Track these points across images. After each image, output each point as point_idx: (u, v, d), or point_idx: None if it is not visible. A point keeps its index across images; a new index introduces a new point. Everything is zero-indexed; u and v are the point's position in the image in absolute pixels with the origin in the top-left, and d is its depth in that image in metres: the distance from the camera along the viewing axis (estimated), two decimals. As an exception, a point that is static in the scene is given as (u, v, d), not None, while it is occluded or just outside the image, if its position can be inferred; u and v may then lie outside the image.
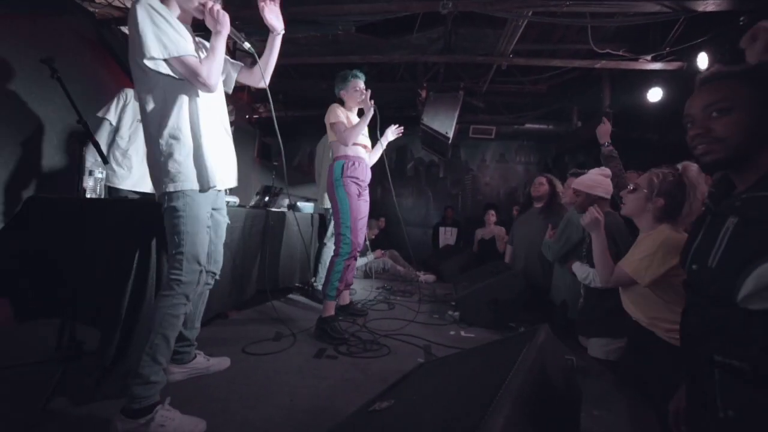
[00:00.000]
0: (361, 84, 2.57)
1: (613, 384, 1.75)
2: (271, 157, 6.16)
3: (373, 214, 6.16)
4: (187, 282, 1.34)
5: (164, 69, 1.28)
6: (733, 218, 0.84)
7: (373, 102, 2.40)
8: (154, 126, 1.33)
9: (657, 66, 3.81)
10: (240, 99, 5.52)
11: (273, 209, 3.08)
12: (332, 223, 3.31)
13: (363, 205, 2.59)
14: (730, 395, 0.80)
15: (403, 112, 5.72)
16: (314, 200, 3.79)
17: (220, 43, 1.37)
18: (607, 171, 2.35)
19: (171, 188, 1.33)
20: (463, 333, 2.56)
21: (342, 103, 2.60)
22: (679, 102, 0.97)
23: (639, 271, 1.52)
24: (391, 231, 6.37)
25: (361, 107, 2.52)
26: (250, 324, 2.47)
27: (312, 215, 3.79)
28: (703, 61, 3.41)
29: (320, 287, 3.47)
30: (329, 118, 2.47)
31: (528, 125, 5.75)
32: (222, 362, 1.77)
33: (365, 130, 2.50)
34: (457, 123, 4.81)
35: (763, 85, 0.84)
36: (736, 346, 0.80)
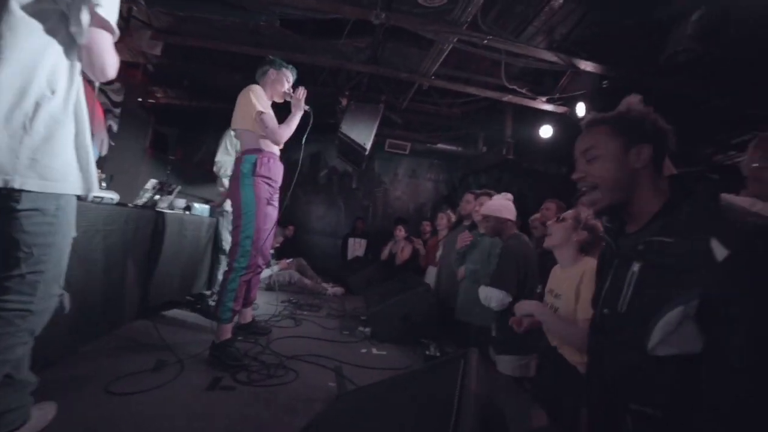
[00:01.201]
0: (291, 78, 2.33)
1: (526, 400, 1.83)
2: (167, 150, 5.38)
3: (281, 221, 5.82)
4: (39, 311, 0.99)
5: None
6: (637, 263, 0.89)
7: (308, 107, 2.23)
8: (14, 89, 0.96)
9: (549, 107, 4.37)
10: (132, 77, 4.66)
11: (164, 209, 2.62)
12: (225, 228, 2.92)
13: (271, 212, 2.26)
14: None
15: (321, 119, 5.52)
16: (212, 201, 3.37)
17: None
18: (509, 195, 2.53)
19: (40, 187, 0.98)
20: (375, 351, 2.47)
21: (256, 84, 2.26)
22: (564, 141, 1.06)
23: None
24: (299, 239, 6.07)
25: (278, 101, 2.29)
26: (122, 353, 1.92)
27: (209, 218, 3.35)
28: (580, 109, 4.06)
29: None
30: (255, 105, 2.08)
31: (440, 145, 6.07)
32: (43, 414, 1.22)
33: None
34: (375, 135, 4.81)
35: (625, 133, 0.93)
36: (649, 393, 0.82)
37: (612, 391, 0.91)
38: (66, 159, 1.04)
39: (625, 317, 0.88)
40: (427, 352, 2.26)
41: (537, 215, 3.15)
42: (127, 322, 2.25)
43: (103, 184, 2.26)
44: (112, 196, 2.02)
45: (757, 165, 1.47)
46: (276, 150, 2.25)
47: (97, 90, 3.93)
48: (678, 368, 0.78)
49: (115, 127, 4.40)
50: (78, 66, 1.08)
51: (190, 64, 4.60)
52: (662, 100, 3.73)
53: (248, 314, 2.49)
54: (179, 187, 2.77)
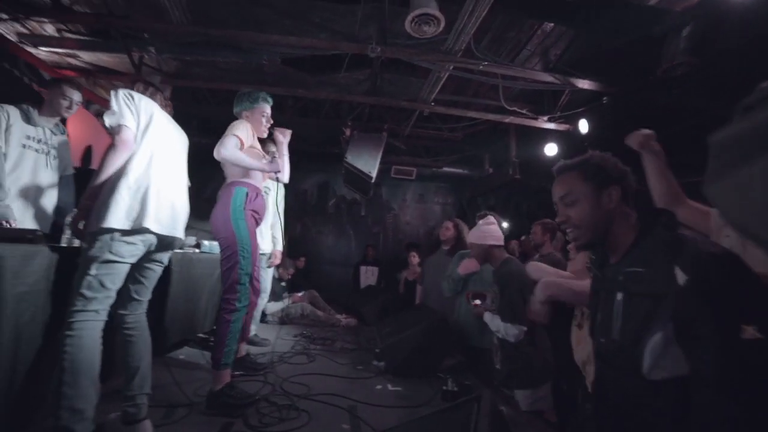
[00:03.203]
0: (269, 111, 2.26)
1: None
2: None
3: (292, 252, 5.84)
4: None
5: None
6: (620, 293, 0.98)
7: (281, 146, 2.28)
8: None
9: (551, 126, 4.38)
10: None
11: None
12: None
13: (257, 246, 2.22)
14: None
15: (326, 149, 5.63)
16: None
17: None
18: (491, 219, 2.43)
19: None
20: (390, 387, 2.38)
21: None
22: (569, 158, 1.13)
23: None
24: (310, 270, 6.04)
25: (262, 136, 2.25)
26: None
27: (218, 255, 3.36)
28: (583, 126, 4.06)
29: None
30: (230, 132, 1.99)
31: (445, 168, 6.10)
32: None
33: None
34: (380, 163, 4.87)
35: (593, 176, 1.04)
36: (651, 418, 0.86)
37: (617, 416, 0.95)
38: None
39: (620, 344, 0.95)
40: (445, 388, 2.16)
41: (524, 238, 3.15)
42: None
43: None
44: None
45: None
46: (260, 184, 2.22)
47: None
48: (675, 392, 0.83)
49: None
50: None
51: (198, 104, 4.79)
52: (664, 112, 3.74)
53: (241, 349, 2.45)
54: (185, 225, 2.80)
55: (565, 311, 1.72)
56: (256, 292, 2.31)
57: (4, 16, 2.89)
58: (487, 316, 2.19)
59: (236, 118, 2.20)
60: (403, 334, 2.71)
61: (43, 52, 3.48)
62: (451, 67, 3.29)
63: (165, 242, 1.61)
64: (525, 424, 1.87)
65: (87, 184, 1.47)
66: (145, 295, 1.63)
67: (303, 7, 2.94)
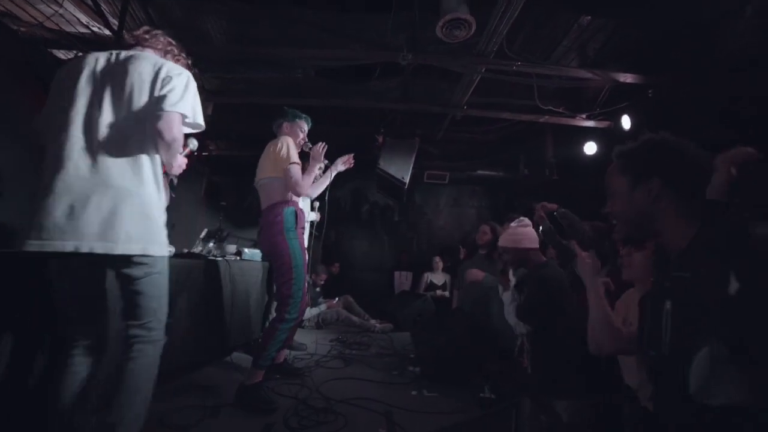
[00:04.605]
0: (306, 128, 2.45)
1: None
2: (220, 197, 5.79)
3: (326, 258, 5.95)
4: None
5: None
6: (668, 301, 0.86)
7: (330, 170, 2.42)
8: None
9: (590, 123, 4.19)
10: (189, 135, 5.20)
11: (217, 257, 2.78)
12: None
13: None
14: None
15: (359, 156, 5.70)
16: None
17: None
18: (526, 221, 2.34)
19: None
20: (426, 392, 2.36)
21: (275, 136, 2.36)
22: (611, 156, 1.07)
23: None
24: (345, 276, 6.12)
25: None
26: (181, 396, 2.03)
27: (260, 262, 3.49)
28: (626, 122, 3.85)
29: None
30: (289, 156, 2.13)
31: (479, 171, 5.99)
32: None
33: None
34: (412, 168, 4.87)
35: (629, 170, 0.97)
36: None
37: None
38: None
39: (670, 359, 0.83)
40: (482, 395, 2.11)
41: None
42: (183, 372, 2.34)
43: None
44: (169, 249, 2.18)
45: None
46: (299, 199, 2.35)
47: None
48: (732, 421, 0.69)
49: (176, 181, 4.86)
50: None
51: (237, 118, 5.03)
52: (720, 103, 3.43)
53: (281, 354, 2.52)
54: (227, 233, 2.95)
55: None
56: (305, 302, 2.40)
57: (73, 53, 3.14)
58: (507, 310, 2.13)
59: (273, 130, 2.33)
60: (438, 339, 2.68)
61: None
62: (484, 70, 3.25)
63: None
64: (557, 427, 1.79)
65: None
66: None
67: (337, 20, 3.04)
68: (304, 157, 2.36)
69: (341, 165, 2.58)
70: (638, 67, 3.36)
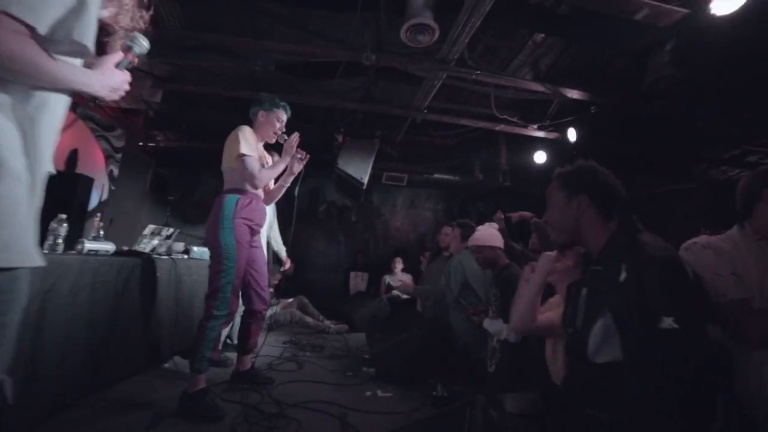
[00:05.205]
0: (284, 117, 2.29)
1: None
2: (167, 191, 5.42)
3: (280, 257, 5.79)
4: None
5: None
6: (585, 288, 1.13)
7: (304, 156, 2.21)
8: None
9: (541, 134, 4.46)
10: (134, 123, 4.79)
11: (162, 255, 2.59)
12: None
13: (256, 254, 2.23)
14: None
15: (318, 155, 5.61)
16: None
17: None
18: (495, 224, 2.49)
19: None
20: (380, 393, 2.37)
21: (250, 124, 2.24)
22: (559, 166, 1.26)
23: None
24: (300, 276, 5.99)
25: (270, 142, 2.28)
26: (116, 410, 1.84)
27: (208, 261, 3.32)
28: (572, 134, 4.16)
29: (232, 341, 2.97)
30: (239, 147, 2.02)
31: (437, 175, 6.13)
32: None
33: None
34: (371, 169, 4.88)
35: (566, 186, 1.18)
36: (596, 398, 1.00)
37: (575, 399, 1.10)
38: None
39: (579, 333, 1.09)
40: (435, 393, 2.16)
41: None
42: (120, 378, 2.16)
43: (101, 233, 2.23)
44: (108, 247, 1.99)
45: None
46: (260, 191, 2.21)
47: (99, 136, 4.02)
48: (614, 374, 0.95)
49: (116, 172, 4.47)
50: None
51: (188, 108, 4.73)
52: (650, 123, 3.86)
53: (247, 361, 2.38)
54: (177, 231, 2.76)
55: None
56: (264, 301, 2.30)
57: None
58: (487, 322, 2.19)
59: (239, 124, 2.18)
60: (394, 340, 2.70)
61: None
62: (445, 76, 3.32)
63: None
64: (513, 427, 1.87)
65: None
66: None
67: (302, 15, 2.96)
68: (280, 148, 2.23)
69: (297, 166, 2.33)
70: (584, 85, 3.63)
